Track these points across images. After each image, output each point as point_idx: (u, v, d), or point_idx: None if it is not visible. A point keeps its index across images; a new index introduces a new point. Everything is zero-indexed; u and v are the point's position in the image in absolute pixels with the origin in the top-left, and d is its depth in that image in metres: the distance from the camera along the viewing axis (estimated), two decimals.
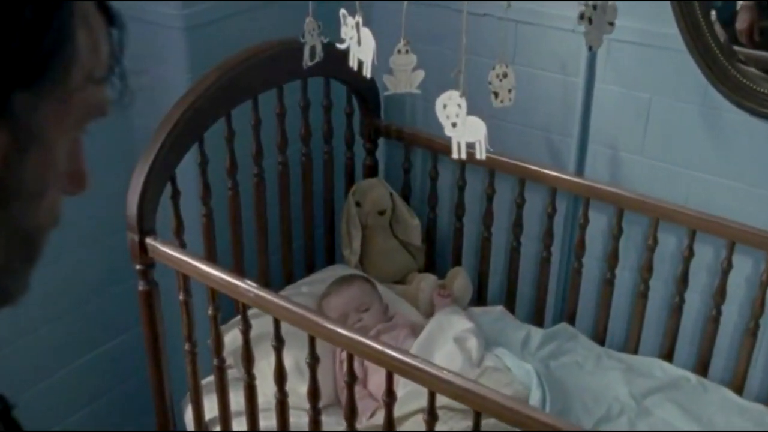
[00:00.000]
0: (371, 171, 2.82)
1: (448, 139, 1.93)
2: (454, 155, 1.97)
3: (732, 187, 2.31)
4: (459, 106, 1.94)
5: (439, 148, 2.66)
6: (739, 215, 2.28)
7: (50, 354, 2.53)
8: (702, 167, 2.34)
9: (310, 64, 2.09)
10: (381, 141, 2.83)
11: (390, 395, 1.88)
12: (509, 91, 2.05)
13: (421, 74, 2.03)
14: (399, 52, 2.01)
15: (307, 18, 2.04)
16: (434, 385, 1.76)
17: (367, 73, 2.00)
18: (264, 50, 2.37)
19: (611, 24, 2.11)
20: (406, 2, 1.93)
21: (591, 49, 2.15)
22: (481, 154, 1.94)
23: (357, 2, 1.92)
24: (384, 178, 2.85)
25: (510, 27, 2.48)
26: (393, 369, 1.81)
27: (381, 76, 2.03)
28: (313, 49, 2.07)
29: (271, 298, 1.97)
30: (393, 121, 2.80)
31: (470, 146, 1.90)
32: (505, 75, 2.07)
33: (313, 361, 1.99)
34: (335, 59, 2.36)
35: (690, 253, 2.37)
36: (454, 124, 1.96)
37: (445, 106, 1.97)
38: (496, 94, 2.07)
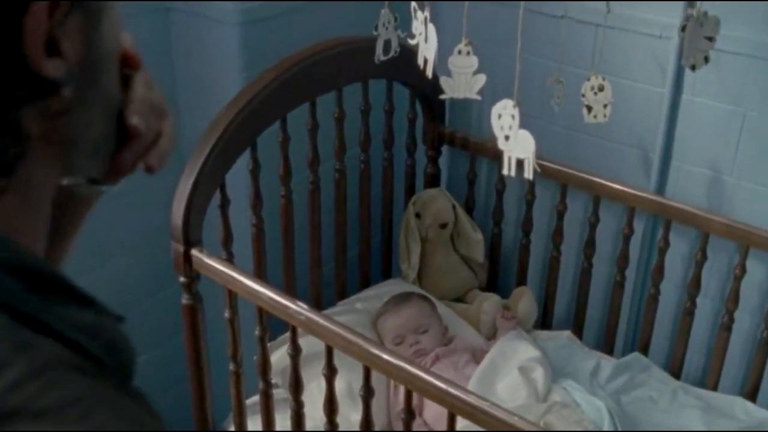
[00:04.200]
0: (433, 180, 2.64)
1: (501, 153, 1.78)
2: (504, 171, 1.82)
3: None
4: (512, 117, 1.77)
5: None
6: None
7: None
8: None
9: (383, 58, 1.93)
10: (444, 149, 2.65)
11: None
12: (605, 106, 1.87)
13: (482, 78, 1.87)
14: (459, 53, 1.85)
15: (383, 9, 1.87)
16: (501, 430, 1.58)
17: (429, 72, 1.84)
18: (323, 50, 2.20)
19: (710, 39, 1.90)
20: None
21: (694, 69, 1.93)
22: (528, 173, 1.78)
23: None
24: (446, 188, 2.66)
25: (589, 31, 2.29)
26: (456, 411, 1.64)
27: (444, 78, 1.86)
28: (387, 43, 1.90)
29: (325, 323, 1.81)
30: (458, 129, 2.62)
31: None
32: (601, 88, 1.90)
33: (368, 393, 1.82)
34: (399, 60, 2.20)
35: None
36: (507, 137, 1.80)
37: (500, 116, 1.81)
38: (590, 109, 1.89)
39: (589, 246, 2.45)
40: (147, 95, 0.65)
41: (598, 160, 2.41)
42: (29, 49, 0.52)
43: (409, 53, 2.17)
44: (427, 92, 2.50)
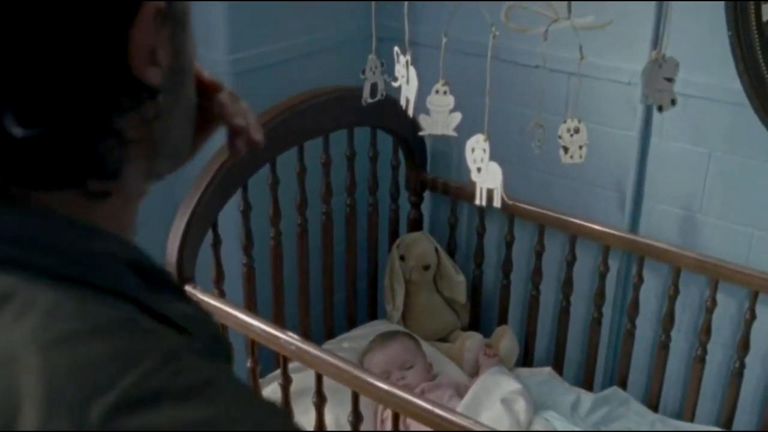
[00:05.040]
0: (416, 225, 2.75)
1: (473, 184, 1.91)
2: (476, 201, 1.95)
3: None
4: (483, 150, 1.90)
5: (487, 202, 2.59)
6: None
7: None
8: (765, 226, 2.24)
9: (370, 101, 2.04)
10: (426, 194, 2.76)
11: None
12: (580, 147, 1.99)
13: (458, 116, 1.98)
14: (437, 92, 1.97)
15: (370, 55, 1.99)
16: None
17: (410, 111, 1.96)
18: (311, 98, 2.32)
19: (670, 80, 2.03)
20: (445, 39, 1.90)
21: (661, 110, 2.06)
22: (496, 202, 1.90)
23: (406, 41, 1.89)
24: (429, 232, 2.77)
25: (562, 79, 2.42)
26: (441, 429, 1.71)
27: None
28: (374, 87, 2.02)
29: (314, 351, 1.89)
30: (439, 175, 2.73)
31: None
32: (576, 130, 2.02)
33: (356, 419, 1.89)
34: (383, 109, 2.32)
35: (752, 316, 2.25)
36: (479, 169, 1.92)
37: (473, 150, 1.93)
38: (566, 149, 2.00)
39: (567, 284, 2.55)
40: (240, 105, 0.78)
41: (573, 201, 2.52)
42: (134, 58, 0.56)
43: (392, 103, 2.29)
44: (409, 140, 2.61)
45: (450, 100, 1.94)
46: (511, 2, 2.49)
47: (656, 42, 2.22)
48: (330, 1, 2.49)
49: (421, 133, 1.99)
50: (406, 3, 2.00)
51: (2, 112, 0.53)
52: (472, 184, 2.31)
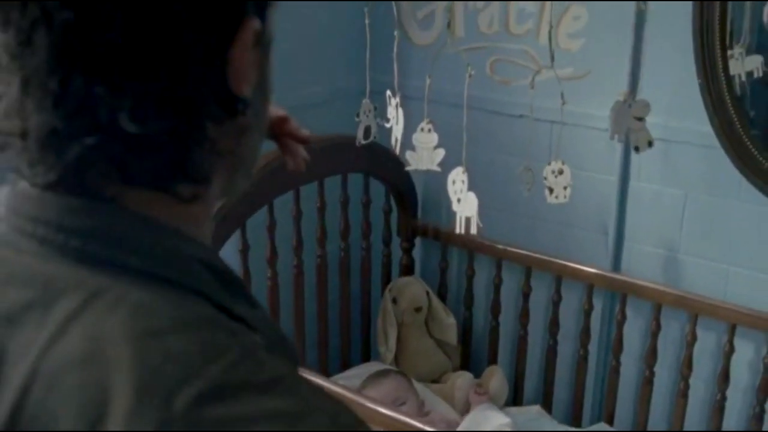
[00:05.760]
0: (408, 269, 2.85)
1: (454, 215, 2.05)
2: (457, 230, 2.08)
3: None
4: (462, 182, 2.03)
5: (476, 246, 2.71)
6: None
7: None
8: (740, 261, 2.35)
9: (363, 142, 2.17)
10: (418, 240, 2.87)
11: None
12: (565, 188, 2.12)
13: (441, 152, 2.11)
14: (422, 130, 2.10)
15: (364, 100, 2.13)
16: None
17: (397, 149, 2.09)
18: (308, 144, 2.43)
19: (640, 119, 2.16)
20: (429, 79, 2.04)
21: (637, 150, 2.19)
22: (473, 229, 2.02)
23: (396, 84, 2.04)
24: (421, 276, 2.87)
25: (545, 127, 2.55)
26: None
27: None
28: (367, 129, 2.15)
29: (318, 381, 1.97)
30: (430, 221, 2.84)
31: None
32: (560, 172, 2.14)
33: None
34: (376, 157, 2.45)
35: (730, 349, 2.34)
36: (458, 200, 2.05)
37: (453, 183, 2.06)
38: (551, 190, 2.13)
39: (554, 324, 2.64)
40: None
41: (558, 243, 2.63)
42: (232, 73, 0.61)
43: (384, 152, 2.43)
44: (400, 188, 2.74)
45: (434, 137, 2.07)
46: (496, 56, 2.66)
47: (633, 89, 2.36)
48: (327, 57, 2.65)
49: (407, 168, 2.12)
50: (395, 51, 2.15)
51: (118, 112, 0.58)
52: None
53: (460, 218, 2.03)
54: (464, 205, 2.01)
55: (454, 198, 2.03)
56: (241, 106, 0.63)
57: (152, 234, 0.61)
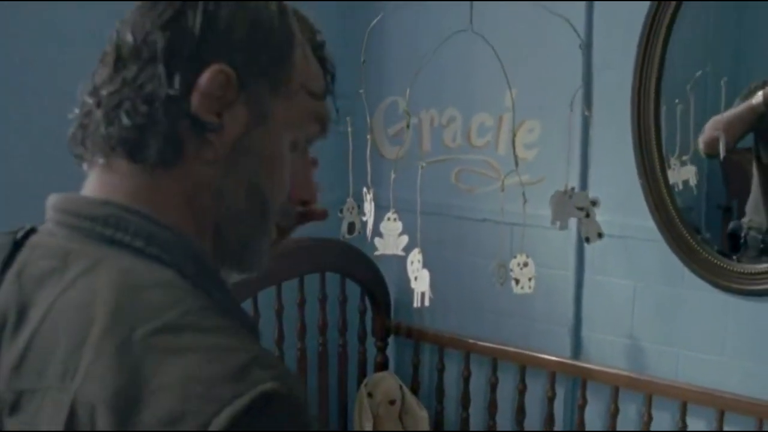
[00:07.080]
0: (382, 366, 3.02)
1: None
2: (415, 304, 2.32)
3: (718, 361, 2.51)
4: (418, 261, 2.27)
5: (446, 342, 2.91)
6: (726, 386, 2.46)
7: None
8: (688, 344, 2.56)
9: (347, 237, 2.41)
10: (391, 338, 3.05)
11: None
12: (530, 279, 2.35)
13: (405, 239, 2.36)
14: (388, 219, 2.35)
15: (348, 198, 2.37)
16: None
17: (368, 235, 2.33)
18: (290, 245, 2.65)
19: (581, 209, 2.42)
20: (393, 174, 2.30)
21: (588, 241, 2.43)
22: (426, 301, 2.25)
23: (369, 180, 2.30)
24: (395, 371, 3.04)
25: (506, 228, 2.79)
26: None
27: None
28: (351, 225, 2.39)
29: None
30: (402, 319, 3.04)
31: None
32: (525, 264, 2.38)
33: None
34: (350, 259, 2.67)
35: (683, 425, 2.52)
36: (416, 278, 2.29)
37: (411, 263, 2.31)
38: (517, 281, 2.36)
39: (520, 412, 2.81)
40: None
41: (522, 336, 2.83)
42: (195, 98, 0.77)
43: (359, 255, 2.66)
44: (373, 289, 2.95)
45: (399, 225, 2.33)
46: (460, 167, 2.94)
47: (583, 187, 2.62)
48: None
49: (376, 253, 2.36)
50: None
51: (118, 110, 0.78)
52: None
53: (417, 294, 2.25)
54: (420, 282, 2.25)
55: (412, 276, 2.27)
56: (204, 129, 0.77)
57: (152, 226, 0.76)
